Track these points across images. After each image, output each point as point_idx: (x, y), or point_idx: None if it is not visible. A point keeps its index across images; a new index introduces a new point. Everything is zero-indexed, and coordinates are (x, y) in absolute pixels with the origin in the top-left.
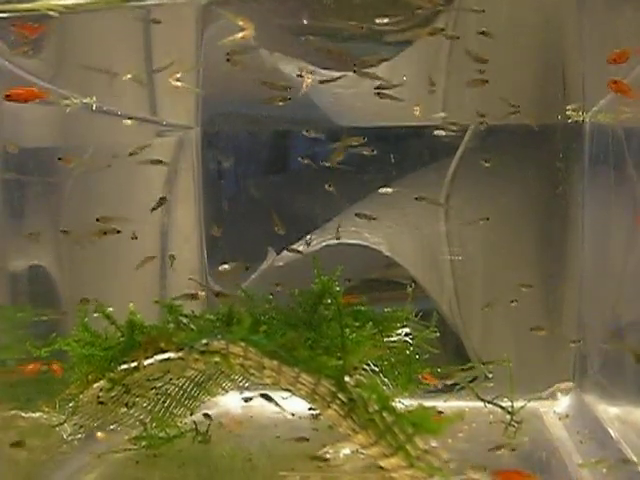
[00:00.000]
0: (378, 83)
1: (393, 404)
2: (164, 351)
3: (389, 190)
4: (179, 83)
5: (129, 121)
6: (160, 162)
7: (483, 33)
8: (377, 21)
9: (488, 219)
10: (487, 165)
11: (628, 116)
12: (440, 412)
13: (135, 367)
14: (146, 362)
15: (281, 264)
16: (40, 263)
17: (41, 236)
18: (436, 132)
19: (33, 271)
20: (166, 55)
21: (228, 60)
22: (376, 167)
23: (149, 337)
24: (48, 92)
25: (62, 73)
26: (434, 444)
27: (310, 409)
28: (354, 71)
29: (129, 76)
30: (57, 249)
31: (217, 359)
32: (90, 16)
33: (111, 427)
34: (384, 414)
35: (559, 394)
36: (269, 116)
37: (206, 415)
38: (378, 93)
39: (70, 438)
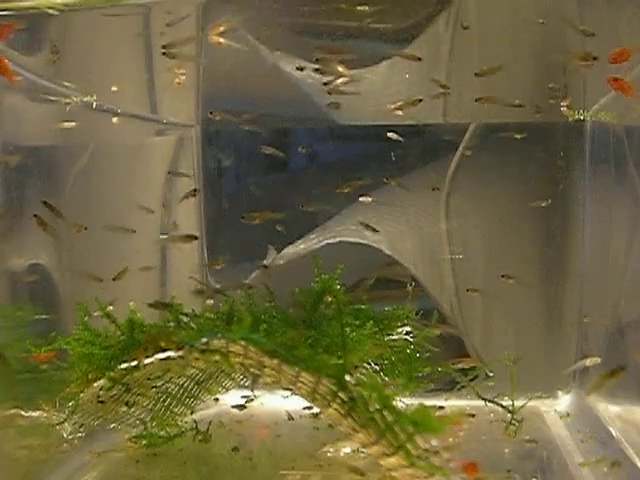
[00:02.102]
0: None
1: (393, 403)
2: (164, 350)
3: (369, 199)
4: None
5: (115, 119)
6: (195, 193)
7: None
8: (359, 9)
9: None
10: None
11: (637, 113)
12: (441, 407)
13: (135, 366)
14: (146, 361)
15: (282, 262)
16: (39, 261)
17: (40, 235)
18: (389, 134)
19: (33, 269)
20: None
21: (164, 54)
22: (376, 166)
23: (149, 336)
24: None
25: (62, 71)
26: (435, 443)
27: (305, 408)
28: (317, 69)
29: (115, 89)
30: (57, 247)
31: (217, 358)
32: (90, 14)
33: (111, 426)
34: (384, 413)
35: (559, 392)
36: (269, 114)
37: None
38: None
39: (70, 437)
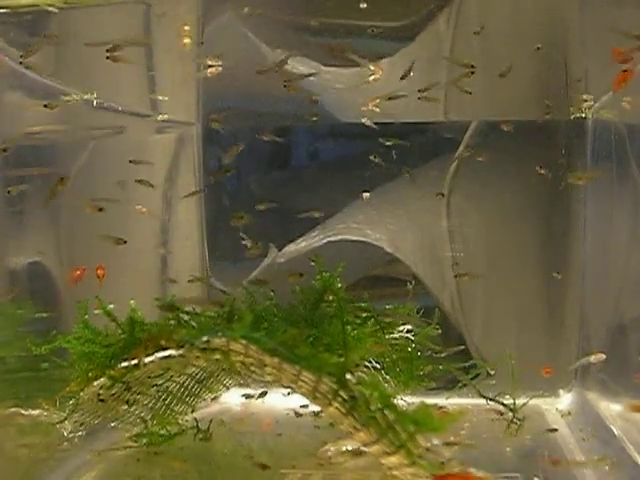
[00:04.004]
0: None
1: (395, 402)
2: (165, 348)
3: (368, 195)
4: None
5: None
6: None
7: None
8: (361, 6)
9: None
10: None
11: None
12: (441, 407)
13: (136, 364)
14: (147, 359)
15: (282, 260)
16: (39, 259)
17: (40, 233)
18: (363, 120)
19: (32, 268)
20: (167, 51)
21: (107, 58)
22: (378, 164)
23: (150, 334)
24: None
25: (62, 68)
26: (436, 442)
27: (302, 406)
28: (275, 70)
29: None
30: (57, 245)
31: (218, 356)
32: (90, 11)
33: (112, 424)
34: (386, 412)
35: (561, 391)
36: (270, 112)
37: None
38: (285, 86)
39: (71, 436)
